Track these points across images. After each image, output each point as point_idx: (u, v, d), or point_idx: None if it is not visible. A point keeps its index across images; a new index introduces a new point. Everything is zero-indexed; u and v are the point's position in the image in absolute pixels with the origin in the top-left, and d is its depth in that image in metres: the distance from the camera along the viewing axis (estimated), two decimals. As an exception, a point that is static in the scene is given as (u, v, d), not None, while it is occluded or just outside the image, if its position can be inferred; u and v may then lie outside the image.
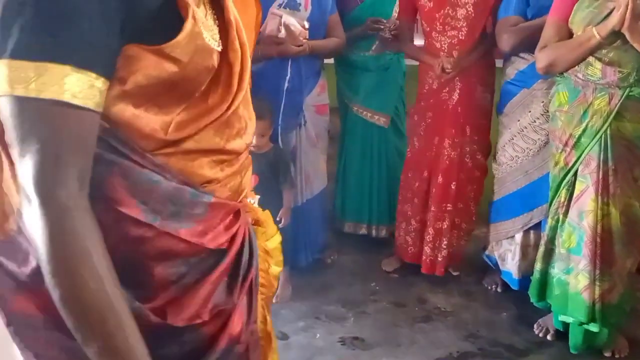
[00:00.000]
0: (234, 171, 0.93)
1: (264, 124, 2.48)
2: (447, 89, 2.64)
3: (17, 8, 0.65)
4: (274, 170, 2.54)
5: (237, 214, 0.97)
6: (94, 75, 0.69)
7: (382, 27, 2.83)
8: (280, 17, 2.40)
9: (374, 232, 3.16)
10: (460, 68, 2.55)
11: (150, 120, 0.78)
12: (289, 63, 2.54)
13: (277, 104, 2.56)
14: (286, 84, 2.55)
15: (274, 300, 2.67)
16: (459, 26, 2.56)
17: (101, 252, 0.71)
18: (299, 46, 2.44)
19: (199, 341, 0.88)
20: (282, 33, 2.41)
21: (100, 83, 0.70)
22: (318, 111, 2.70)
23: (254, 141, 2.48)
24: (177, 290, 0.85)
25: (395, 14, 2.89)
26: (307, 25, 2.48)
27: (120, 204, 0.77)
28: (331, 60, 2.99)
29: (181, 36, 0.76)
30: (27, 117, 0.66)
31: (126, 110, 0.75)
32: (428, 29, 2.65)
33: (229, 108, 0.88)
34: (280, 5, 2.51)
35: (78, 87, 0.67)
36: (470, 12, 2.53)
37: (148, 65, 0.74)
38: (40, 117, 0.66)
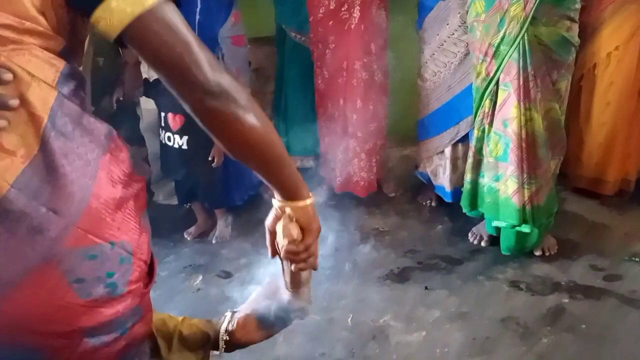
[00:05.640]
0: None
1: None
2: (346, 6, 2.55)
3: None
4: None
5: None
6: None
7: None
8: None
9: None
10: None
11: None
12: (197, -6, 2.38)
13: (190, 38, 2.42)
14: (197, 17, 2.40)
15: (213, 241, 2.64)
16: None
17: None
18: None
19: None
20: (186, -40, 2.24)
21: None
22: (235, 43, 2.57)
23: None
24: None
25: None
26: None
27: None
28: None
29: None
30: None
31: None
32: None
33: None
34: None
35: None
36: None
37: None
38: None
